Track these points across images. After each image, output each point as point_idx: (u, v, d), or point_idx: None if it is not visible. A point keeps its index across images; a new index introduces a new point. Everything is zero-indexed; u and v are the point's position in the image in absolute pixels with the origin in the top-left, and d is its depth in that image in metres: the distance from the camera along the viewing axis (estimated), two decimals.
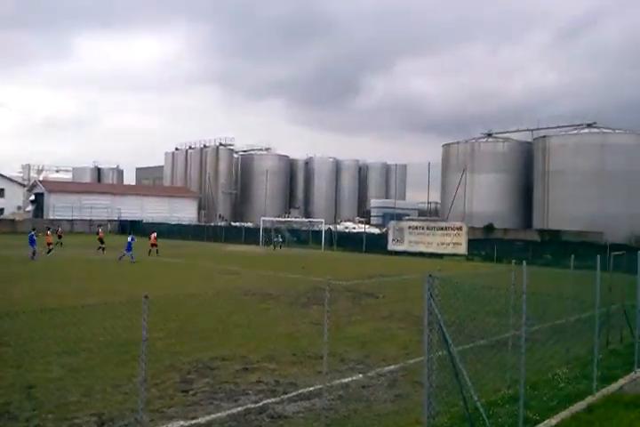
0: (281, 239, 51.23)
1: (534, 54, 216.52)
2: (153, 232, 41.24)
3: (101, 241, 38.81)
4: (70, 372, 10.23)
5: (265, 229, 55.72)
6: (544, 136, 64.67)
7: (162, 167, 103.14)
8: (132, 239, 34.19)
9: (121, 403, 8.68)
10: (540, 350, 11.14)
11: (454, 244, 42.16)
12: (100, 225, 51.12)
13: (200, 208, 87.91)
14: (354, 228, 68.63)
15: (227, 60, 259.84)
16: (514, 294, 9.78)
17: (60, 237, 43.15)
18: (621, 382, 10.33)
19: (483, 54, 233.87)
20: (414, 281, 24.03)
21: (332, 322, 7.27)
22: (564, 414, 8.21)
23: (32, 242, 32.29)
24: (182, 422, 7.99)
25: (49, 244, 36.12)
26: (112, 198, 78.02)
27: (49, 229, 39.79)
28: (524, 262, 8.49)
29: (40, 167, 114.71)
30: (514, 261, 10.62)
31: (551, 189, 60.84)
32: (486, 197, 65.36)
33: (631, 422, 7.86)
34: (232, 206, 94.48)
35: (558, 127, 66.14)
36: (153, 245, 38.28)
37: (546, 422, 7.76)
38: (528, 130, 71.37)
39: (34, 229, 34.45)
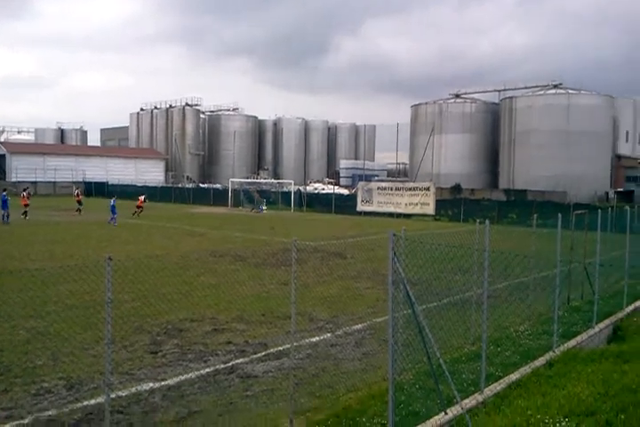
0: (263, 207, 48.69)
1: (501, 15, 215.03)
2: (141, 195, 41.60)
3: (79, 203, 38.44)
4: (37, 335, 10.16)
5: (240, 191, 55.08)
6: (511, 97, 65.00)
7: (127, 128, 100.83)
8: (114, 201, 33.28)
9: (89, 366, 8.67)
10: (502, 308, 11.42)
11: (422, 204, 42.52)
12: (77, 187, 49.48)
13: (167, 170, 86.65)
14: (323, 189, 68.64)
15: (193, 18, 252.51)
16: (477, 253, 9.95)
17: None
18: (580, 337, 10.67)
19: (450, 14, 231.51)
20: (382, 241, 24.29)
21: (301, 282, 7.33)
22: (524, 369, 8.48)
23: (4, 204, 31.36)
24: (151, 384, 8.03)
25: (25, 205, 35.09)
26: (76, 160, 76.27)
27: (25, 190, 38.78)
28: (487, 221, 8.58)
29: (1, 128, 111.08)
30: (478, 220, 10.75)
31: (517, 149, 61.55)
32: (454, 157, 65.87)
33: (588, 376, 8.16)
34: (200, 168, 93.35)
35: (525, 88, 66.51)
36: (139, 206, 38.39)
37: (507, 377, 8.01)
38: (495, 90, 71.64)
39: (4, 190, 32.91)
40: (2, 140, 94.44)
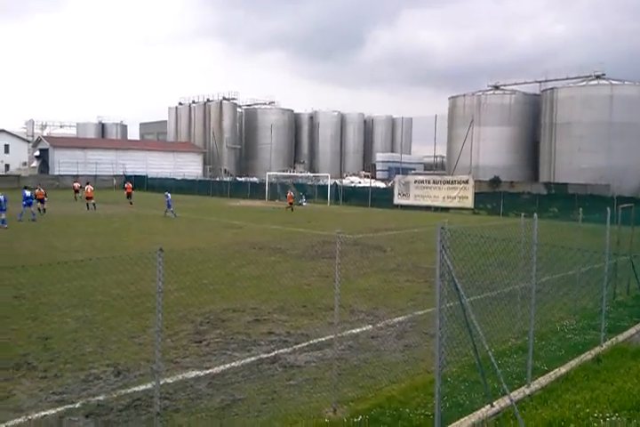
0: (303, 197, 48.96)
1: (541, 5, 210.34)
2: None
3: (128, 195, 39.38)
4: (85, 324, 10.42)
5: (277, 184, 55.42)
6: (552, 88, 63.56)
7: (165, 122, 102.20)
8: (170, 196, 34.25)
9: (136, 353, 8.86)
10: (548, 302, 11.26)
11: (460, 197, 42.05)
12: (127, 181, 49.56)
13: (205, 163, 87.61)
14: (359, 182, 68.45)
15: (230, 12, 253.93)
16: (524, 246, 9.81)
17: (77, 191, 41.46)
18: (629, 332, 10.44)
19: (489, 4, 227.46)
20: (421, 234, 24.17)
21: (341, 275, 7.32)
22: (572, 363, 8.34)
23: (26, 200, 29.71)
24: (197, 372, 8.16)
25: (88, 198, 36.34)
26: (116, 154, 77.77)
27: (88, 183, 39.72)
28: (535, 215, 8.43)
29: (44, 123, 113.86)
30: (523, 214, 10.60)
31: (558, 141, 60.23)
32: (493, 150, 64.80)
33: (638, 372, 7.99)
34: (237, 161, 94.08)
35: (566, 79, 64.85)
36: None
37: (555, 371, 7.89)
38: (536, 82, 70.10)
39: (25, 188, 31.72)
40: (45, 134, 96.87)
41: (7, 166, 75.30)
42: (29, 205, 29.48)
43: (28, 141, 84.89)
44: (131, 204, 38.72)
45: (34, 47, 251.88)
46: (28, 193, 29.85)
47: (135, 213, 33.95)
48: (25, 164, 79.09)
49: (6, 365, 8.25)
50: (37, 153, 78.61)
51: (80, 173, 69.25)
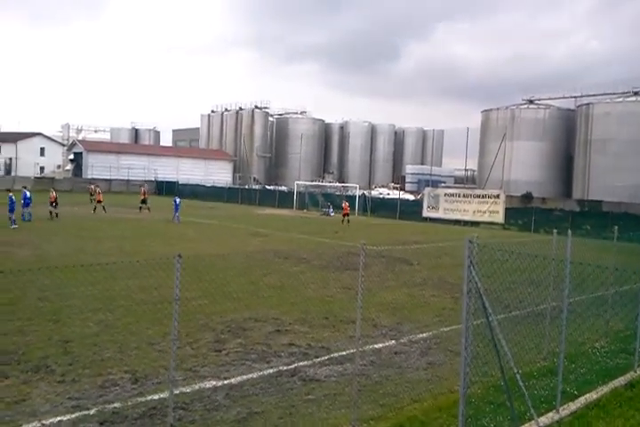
0: (331, 209, 48.67)
1: (577, 20, 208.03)
2: (141, 186, 43.24)
3: (144, 201, 38.99)
4: (106, 328, 10.38)
5: (305, 194, 55.47)
6: (588, 103, 62.59)
7: (197, 129, 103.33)
8: (179, 201, 34.80)
9: (155, 361, 8.76)
10: (578, 322, 10.84)
11: (491, 212, 41.47)
12: (141, 185, 48.63)
13: (235, 171, 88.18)
14: (388, 194, 68.12)
15: (264, 23, 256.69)
16: (554, 264, 9.49)
17: (144, 201, 39.52)
18: None
19: (524, 20, 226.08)
20: (448, 249, 23.78)
21: (365, 287, 7.12)
22: (603, 389, 7.99)
23: (25, 201, 28.76)
24: (214, 382, 8.02)
25: (99, 201, 36.93)
26: (149, 159, 78.74)
27: (97, 186, 40.52)
28: (569, 231, 8.13)
29: (79, 127, 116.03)
30: (555, 230, 10.27)
31: (593, 158, 59.20)
32: (525, 165, 63.95)
33: None
34: (266, 170, 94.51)
35: (603, 95, 63.80)
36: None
37: (585, 396, 7.55)
38: (571, 97, 69.10)
39: (25, 187, 30.86)
40: (80, 138, 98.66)
41: (42, 169, 76.77)
42: (27, 205, 28.96)
43: (64, 145, 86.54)
44: (148, 209, 38.29)
45: (72, 53, 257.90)
46: (28, 194, 29.61)
47: (162, 219, 34.14)
48: (59, 167, 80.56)
49: (25, 367, 8.22)
50: (72, 156, 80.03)
51: (113, 178, 70.30)
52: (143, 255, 18.22)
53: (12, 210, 26.37)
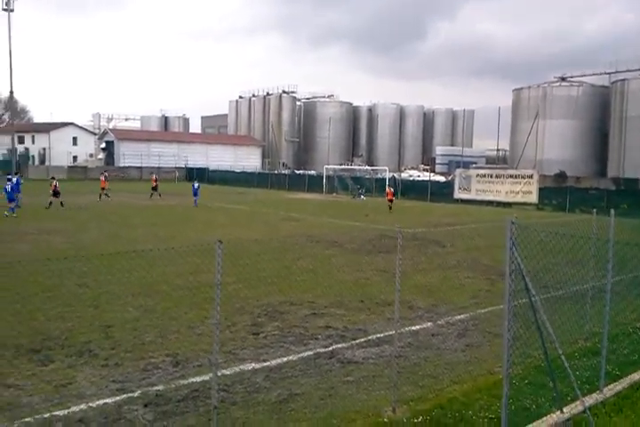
0: (362, 190, 49.26)
1: None
2: (152, 174, 43.37)
3: (154, 188, 39.34)
4: (146, 313, 10.56)
5: (334, 178, 55.44)
6: (623, 79, 60.90)
7: (226, 116, 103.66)
8: (197, 186, 35.77)
9: (195, 344, 8.88)
10: (620, 303, 10.65)
11: (524, 192, 40.82)
12: (152, 173, 47.50)
13: (264, 156, 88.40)
14: (418, 176, 67.58)
15: (289, 5, 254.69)
16: (594, 244, 9.30)
17: (154, 188, 39.95)
18: None
19: None
20: (482, 230, 23.52)
21: (400, 270, 7.07)
22: None
23: (12, 189, 27.44)
24: (254, 365, 8.11)
25: (102, 188, 36.86)
26: (179, 146, 79.38)
27: (102, 173, 40.23)
28: (612, 211, 7.95)
29: (110, 116, 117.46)
30: (595, 210, 10.06)
31: (629, 135, 57.75)
32: (558, 143, 62.68)
33: None
34: (295, 154, 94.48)
35: (639, 70, 61.95)
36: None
37: (629, 376, 7.44)
38: (605, 73, 67.31)
39: (17, 173, 30.85)
40: (111, 127, 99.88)
41: (75, 158, 77.98)
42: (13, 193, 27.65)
43: (95, 134, 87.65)
44: (159, 195, 38.62)
45: (101, 43, 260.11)
46: (16, 180, 29.44)
47: (183, 204, 34.48)
48: (91, 155, 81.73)
49: (69, 352, 8.42)
50: (103, 145, 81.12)
51: (144, 165, 71.07)
52: (178, 241, 18.45)
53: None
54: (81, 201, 34.71)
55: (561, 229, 8.66)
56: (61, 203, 30.50)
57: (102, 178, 38.21)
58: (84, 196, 37.53)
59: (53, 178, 33.54)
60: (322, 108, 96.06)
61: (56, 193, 30.78)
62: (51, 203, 30.11)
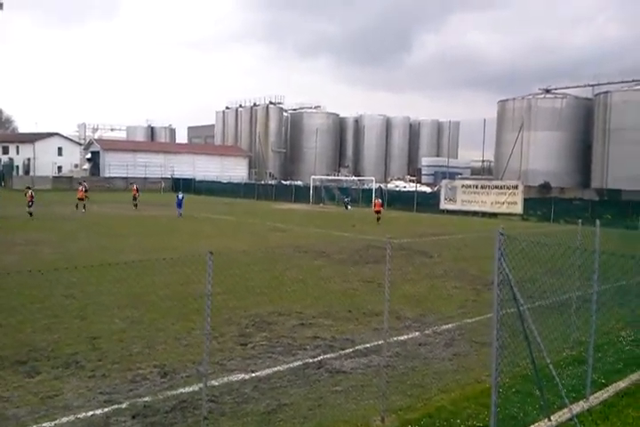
0: (347, 199, 49.59)
1: (595, 8, 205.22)
2: (132, 184, 43.39)
3: (134, 198, 39.32)
4: (133, 324, 10.50)
5: (321, 188, 55.58)
6: (606, 92, 61.81)
7: (213, 126, 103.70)
8: (182, 197, 35.67)
9: (182, 355, 8.85)
10: (603, 312, 10.77)
11: (509, 203, 41.19)
12: (132, 183, 47.51)
13: (250, 167, 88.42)
14: (404, 186, 67.89)
15: (276, 17, 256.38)
16: (580, 254, 9.42)
17: (85, 191, 39.95)
18: None
19: (540, 7, 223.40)
20: (469, 240, 23.68)
21: (389, 280, 7.13)
22: (632, 377, 7.95)
23: None
24: (243, 375, 8.10)
25: (80, 199, 36.25)
26: (165, 157, 79.22)
27: (80, 184, 39.69)
28: (598, 221, 8.08)
29: (95, 126, 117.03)
30: (580, 220, 10.22)
31: (612, 146, 58.51)
32: (543, 155, 63.37)
33: None
34: (282, 165, 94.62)
35: (621, 82, 62.97)
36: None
37: (614, 385, 7.52)
38: (588, 85, 68.24)
39: None
40: (96, 137, 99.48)
41: (60, 168, 77.52)
42: None
43: (80, 144, 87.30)
44: (135, 206, 38.55)
45: (86, 53, 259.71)
46: None
47: (183, 216, 34.38)
48: (77, 166, 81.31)
49: (56, 363, 8.35)
50: (89, 155, 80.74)
51: (130, 175, 70.79)
52: (165, 252, 18.40)
53: None
54: (66, 212, 34.50)
55: (547, 240, 8.78)
56: (30, 213, 30.02)
57: (80, 188, 37.60)
58: (69, 206, 37.22)
59: (29, 188, 33.09)
60: (309, 119, 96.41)
61: (30, 203, 30.30)
62: (31, 213, 29.82)
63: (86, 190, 39.82)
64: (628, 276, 11.81)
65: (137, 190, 40.53)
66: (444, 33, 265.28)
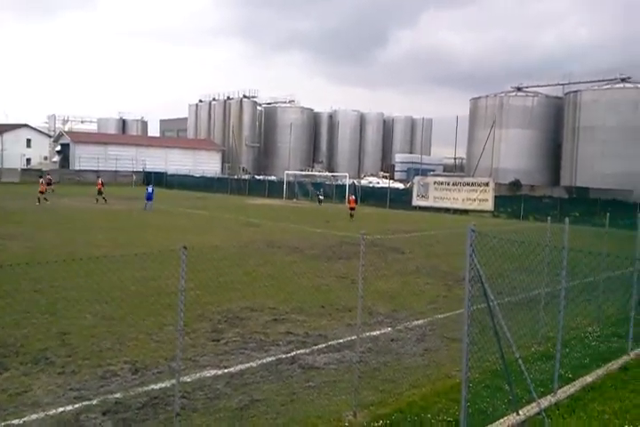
0: (321, 194, 49.69)
1: (565, 7, 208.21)
2: (98, 177, 42.51)
3: (99, 192, 38.61)
4: (103, 320, 10.39)
5: (294, 183, 55.51)
6: (576, 91, 62.75)
7: (185, 119, 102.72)
8: (152, 190, 35.36)
9: (154, 351, 8.80)
10: (570, 308, 11.00)
11: (480, 200, 41.69)
12: (98, 176, 46.18)
13: (224, 161, 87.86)
14: (377, 182, 68.16)
15: (252, 11, 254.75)
16: (549, 251, 9.60)
17: (49, 184, 40.30)
18: None
19: (512, 6, 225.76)
20: (440, 237, 23.91)
21: (362, 276, 7.19)
22: (598, 372, 8.14)
23: None
24: (215, 371, 8.08)
25: (41, 192, 35.79)
26: (137, 150, 78.17)
27: (41, 177, 39.05)
28: (567, 219, 8.24)
29: (65, 118, 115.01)
30: (549, 218, 10.41)
31: (581, 145, 59.47)
32: (514, 152, 64.17)
33: None
34: (255, 159, 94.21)
35: (591, 82, 64.03)
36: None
37: (581, 379, 7.70)
38: (559, 84, 69.24)
39: None
40: (66, 129, 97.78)
41: (28, 160, 76.05)
42: None
43: (50, 136, 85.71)
44: (104, 200, 37.88)
45: (57, 43, 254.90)
46: None
47: (155, 210, 34.06)
48: (46, 158, 79.86)
49: (24, 359, 8.23)
50: (59, 148, 79.36)
51: (100, 169, 69.80)
52: (136, 247, 18.22)
53: None
54: (33, 206, 33.91)
55: (517, 237, 8.92)
56: None
57: (41, 181, 37.04)
58: (34, 199, 36.55)
59: None
60: (283, 113, 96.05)
61: None
62: None
63: (49, 184, 39.14)
64: (595, 272, 12.09)
65: (102, 184, 39.88)
66: (418, 30, 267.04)
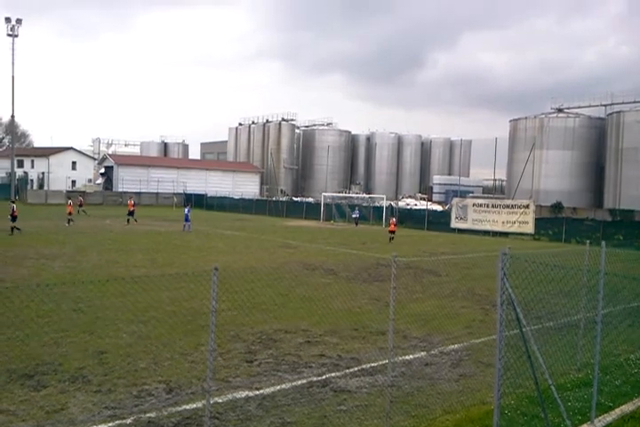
0: (357, 214, 49.87)
1: (606, 26, 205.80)
2: (130, 198, 42.88)
3: (131, 213, 38.88)
4: (139, 339, 10.55)
5: (332, 205, 55.71)
6: (618, 111, 61.71)
7: (225, 142, 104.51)
8: (188, 211, 35.86)
9: (188, 371, 8.88)
10: (611, 334, 10.69)
11: (521, 222, 40.99)
12: (130, 197, 45.17)
13: (262, 183, 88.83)
14: (415, 204, 67.79)
15: (290, 35, 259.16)
16: (587, 275, 9.39)
17: (80, 205, 41.63)
18: None
19: (552, 26, 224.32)
20: (477, 260, 23.58)
21: (395, 299, 7.14)
22: (638, 401, 7.87)
23: None
24: (247, 393, 8.10)
25: (69, 213, 36.50)
26: (178, 172, 79.79)
27: (69, 198, 40.18)
28: (603, 242, 8.07)
29: (109, 141, 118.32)
30: (588, 241, 10.20)
31: (625, 166, 58.25)
32: (555, 174, 63.20)
33: None
34: (293, 181, 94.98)
35: (634, 102, 62.89)
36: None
37: (621, 408, 7.45)
38: (601, 105, 68.26)
39: None
40: (110, 152, 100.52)
41: (74, 182, 78.31)
42: None
43: (94, 159, 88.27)
44: (135, 220, 38.23)
45: (101, 68, 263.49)
46: None
47: (193, 231, 34.55)
48: (90, 180, 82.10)
49: (63, 377, 8.41)
50: (102, 170, 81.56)
51: (142, 191, 71.39)
52: (175, 267, 18.51)
53: None
54: (81, 226, 34.77)
55: (556, 260, 8.77)
56: (13, 229, 28.52)
57: (70, 202, 37.92)
58: (82, 221, 37.55)
59: (13, 202, 32.34)
60: (321, 135, 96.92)
61: (14, 218, 28.90)
62: (12, 229, 28.41)
63: (81, 205, 40.05)
64: (638, 298, 11.75)
65: (133, 204, 40.30)
66: (455, 51, 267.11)
